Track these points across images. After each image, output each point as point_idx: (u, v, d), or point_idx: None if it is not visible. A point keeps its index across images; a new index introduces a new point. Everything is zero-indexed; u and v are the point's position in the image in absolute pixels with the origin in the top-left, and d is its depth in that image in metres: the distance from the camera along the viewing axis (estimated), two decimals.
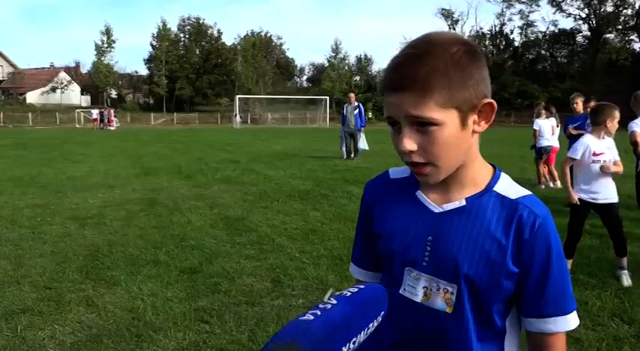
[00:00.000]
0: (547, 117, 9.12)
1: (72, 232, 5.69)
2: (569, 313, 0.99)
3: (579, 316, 3.34)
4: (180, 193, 8.31)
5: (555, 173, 9.02)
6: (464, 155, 0.95)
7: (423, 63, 0.87)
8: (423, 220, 1.00)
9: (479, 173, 1.00)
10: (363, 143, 13.90)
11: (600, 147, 4.10)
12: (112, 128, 36.11)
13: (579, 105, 7.77)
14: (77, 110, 47.34)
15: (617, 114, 4.07)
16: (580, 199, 4.16)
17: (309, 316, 0.77)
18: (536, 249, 0.95)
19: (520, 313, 1.01)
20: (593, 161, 4.08)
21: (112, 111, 39.62)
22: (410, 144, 0.90)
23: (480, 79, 0.91)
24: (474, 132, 0.94)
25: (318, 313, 0.78)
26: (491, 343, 1.01)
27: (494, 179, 1.00)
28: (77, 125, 43.51)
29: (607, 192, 4.11)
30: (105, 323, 3.35)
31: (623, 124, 4.31)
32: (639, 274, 4.25)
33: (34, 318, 3.41)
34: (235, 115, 44.76)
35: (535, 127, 9.04)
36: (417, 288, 1.00)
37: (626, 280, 4.06)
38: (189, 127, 44.63)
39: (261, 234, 5.63)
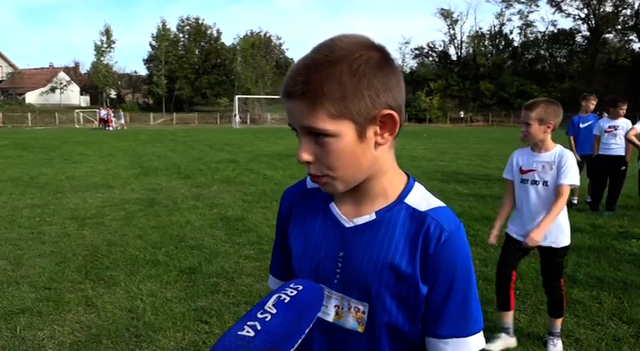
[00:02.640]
0: None
1: (71, 232, 5.69)
2: (470, 336, 0.92)
3: (578, 316, 3.33)
4: (179, 193, 8.31)
5: None
6: (368, 168, 0.89)
7: (319, 70, 0.81)
8: (334, 235, 0.96)
9: (390, 184, 0.94)
10: None
11: (529, 162, 2.91)
12: (110, 128, 36.11)
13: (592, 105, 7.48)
14: (76, 110, 47.30)
15: (525, 113, 2.83)
16: (507, 235, 3.03)
17: (248, 331, 0.74)
18: (440, 265, 0.90)
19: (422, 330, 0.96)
20: (521, 181, 2.94)
21: (111, 111, 39.62)
22: (306, 155, 0.86)
23: (382, 89, 0.84)
24: (377, 144, 0.87)
25: (258, 326, 0.75)
26: None
27: (407, 190, 0.95)
28: (76, 125, 43.48)
29: (549, 231, 2.80)
30: (104, 323, 3.34)
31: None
32: (639, 272, 4.27)
33: (34, 318, 3.41)
34: (235, 115, 44.78)
35: None
36: (328, 307, 0.95)
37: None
38: (188, 127, 44.61)
39: (261, 234, 5.62)
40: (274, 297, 0.83)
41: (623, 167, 6.62)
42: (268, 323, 0.77)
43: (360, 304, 0.93)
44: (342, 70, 0.81)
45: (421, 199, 0.95)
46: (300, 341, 0.79)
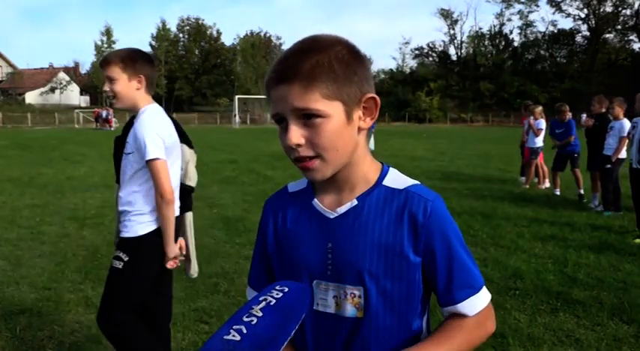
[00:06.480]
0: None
1: (71, 233, 5.69)
2: (479, 291, 0.97)
3: (578, 316, 3.31)
4: None
5: (546, 169, 9.28)
6: (351, 152, 0.94)
7: (308, 56, 0.87)
8: (321, 228, 0.99)
9: (369, 171, 0.99)
10: (370, 143, 13.84)
11: None
12: (111, 129, 36.10)
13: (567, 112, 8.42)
14: (76, 110, 47.27)
15: None
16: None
17: (234, 335, 0.74)
18: (434, 232, 0.94)
19: (438, 304, 0.99)
20: None
21: (111, 111, 39.59)
22: (296, 137, 0.88)
23: (363, 77, 0.92)
24: (360, 129, 0.94)
25: (244, 330, 0.75)
26: (411, 345, 0.97)
27: (383, 174, 1.00)
28: (76, 125, 43.47)
29: None
30: None
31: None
32: (639, 272, 4.26)
33: (33, 318, 3.41)
34: (234, 115, 44.77)
35: (542, 127, 9.15)
36: (327, 299, 0.98)
37: None
38: (188, 127, 44.15)
39: None
40: (260, 300, 0.83)
41: (608, 165, 6.94)
42: (254, 326, 0.76)
43: (354, 289, 0.96)
44: (330, 56, 0.88)
45: (397, 179, 1.00)
46: (286, 343, 0.78)
